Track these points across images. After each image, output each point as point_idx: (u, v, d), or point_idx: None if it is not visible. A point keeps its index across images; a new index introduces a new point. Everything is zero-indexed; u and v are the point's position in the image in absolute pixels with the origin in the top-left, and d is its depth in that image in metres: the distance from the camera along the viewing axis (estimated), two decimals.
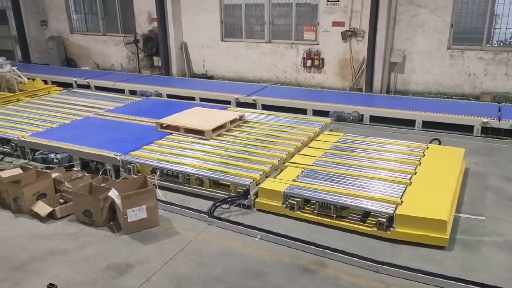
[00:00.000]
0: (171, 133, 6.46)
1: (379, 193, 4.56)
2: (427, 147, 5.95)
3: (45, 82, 10.80)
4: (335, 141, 6.15)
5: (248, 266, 3.88)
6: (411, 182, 4.83)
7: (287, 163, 5.41)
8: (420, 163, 5.35)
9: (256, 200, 4.76)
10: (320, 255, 3.98)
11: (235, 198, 4.84)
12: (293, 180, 4.89)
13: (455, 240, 4.18)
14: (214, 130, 6.36)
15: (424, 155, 5.63)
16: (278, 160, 5.42)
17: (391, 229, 4.18)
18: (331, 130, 7.17)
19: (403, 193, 4.57)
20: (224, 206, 4.83)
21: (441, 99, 8.88)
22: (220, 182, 5.06)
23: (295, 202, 4.56)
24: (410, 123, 7.51)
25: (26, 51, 14.02)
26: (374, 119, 7.79)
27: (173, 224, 4.59)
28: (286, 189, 4.66)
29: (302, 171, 5.12)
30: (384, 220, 4.17)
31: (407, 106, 7.86)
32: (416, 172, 5.09)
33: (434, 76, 9.38)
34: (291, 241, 4.17)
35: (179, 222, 4.62)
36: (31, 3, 13.90)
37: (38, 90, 9.96)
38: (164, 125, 6.74)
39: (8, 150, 6.43)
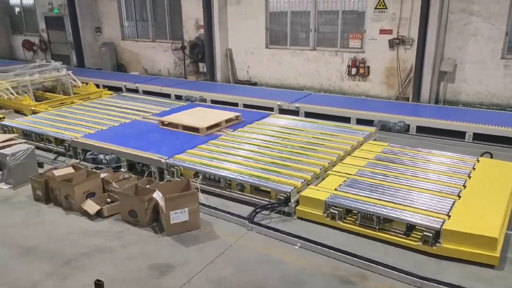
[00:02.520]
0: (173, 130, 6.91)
1: (425, 207, 4.41)
2: (478, 161, 5.68)
3: (97, 86, 11.34)
4: (379, 151, 6.01)
5: (287, 274, 3.86)
6: (460, 196, 4.63)
7: (329, 172, 5.35)
8: (470, 177, 5.13)
9: (297, 208, 4.73)
10: (361, 267, 3.90)
11: (276, 205, 4.84)
12: (335, 189, 4.83)
13: (506, 259, 3.96)
14: (208, 128, 6.82)
15: (474, 168, 5.39)
16: (320, 169, 5.37)
17: (437, 244, 4.01)
18: (375, 140, 7.02)
19: (451, 207, 4.38)
20: (264, 212, 4.84)
21: (494, 110, 8.46)
22: (261, 188, 5.08)
23: (336, 212, 4.49)
24: (460, 135, 7.20)
25: (81, 56, 14.76)
26: (421, 130, 7.54)
27: (213, 228, 4.65)
28: (328, 198, 4.60)
29: (345, 180, 5.05)
30: (430, 234, 4.02)
31: (457, 117, 7.55)
32: (465, 186, 4.88)
33: (486, 86, 8.96)
34: (331, 251, 4.10)
35: (219, 226, 4.68)
36: (87, 10, 14.63)
37: (90, 94, 10.47)
38: (165, 123, 7.18)
39: (62, 150, 6.78)
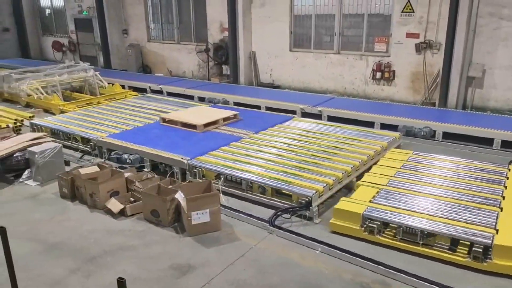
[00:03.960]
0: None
1: (469, 220, 4.19)
2: (509, 169, 5.50)
3: (123, 87, 11.56)
4: (405, 159, 5.83)
5: (306, 279, 3.83)
6: (501, 208, 4.41)
7: (359, 182, 5.14)
8: (506, 187, 4.91)
9: (331, 221, 4.52)
10: (383, 274, 3.83)
11: (297, 208, 4.82)
12: (370, 201, 4.60)
13: None
14: (206, 125, 7.13)
15: (507, 177, 5.19)
16: (343, 173, 5.32)
17: (487, 260, 3.80)
18: (399, 145, 6.90)
19: (496, 220, 4.16)
20: (285, 215, 4.82)
21: None
22: (282, 191, 5.06)
23: (375, 226, 4.26)
24: (488, 142, 7.01)
25: (108, 58, 15.08)
26: (448, 136, 7.37)
27: (234, 229, 4.66)
28: (365, 211, 4.37)
29: (377, 192, 4.82)
30: (481, 250, 3.81)
31: (485, 123, 7.35)
32: (504, 197, 4.66)
33: None
34: (352, 257, 4.05)
35: (240, 228, 4.68)
36: (114, 13, 14.95)
37: (116, 94, 10.69)
38: (166, 120, 7.50)
39: (88, 149, 6.93)
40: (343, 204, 4.59)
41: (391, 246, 4.22)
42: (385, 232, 4.35)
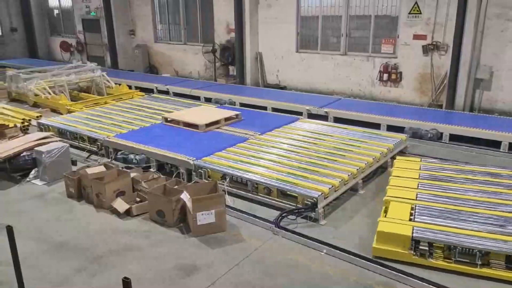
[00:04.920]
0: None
1: None
2: None
3: (130, 87, 11.61)
4: (417, 168, 5.55)
5: (312, 280, 3.82)
6: None
7: (387, 198, 4.74)
8: None
9: (374, 246, 4.08)
10: (388, 276, 3.81)
11: (303, 210, 4.81)
12: (410, 220, 4.24)
13: None
14: (208, 125, 7.18)
15: None
16: (348, 175, 5.30)
17: None
18: (405, 147, 6.87)
19: None
20: (290, 217, 4.81)
21: None
22: (288, 192, 5.05)
23: (426, 248, 3.89)
24: (495, 144, 6.95)
25: (115, 58, 15.17)
26: (455, 138, 7.32)
27: (239, 230, 4.66)
28: (414, 232, 3.98)
29: (412, 208, 4.46)
30: None
31: (492, 126, 7.29)
32: None
33: None
34: (358, 258, 4.04)
35: (245, 229, 4.68)
36: (122, 14, 15.03)
37: (123, 94, 10.74)
38: (169, 119, 7.56)
39: (94, 148, 6.97)
40: (385, 226, 4.13)
41: (439, 268, 3.89)
42: (435, 253, 3.98)
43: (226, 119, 7.55)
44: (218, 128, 7.29)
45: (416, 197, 4.72)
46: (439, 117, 8.06)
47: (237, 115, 7.80)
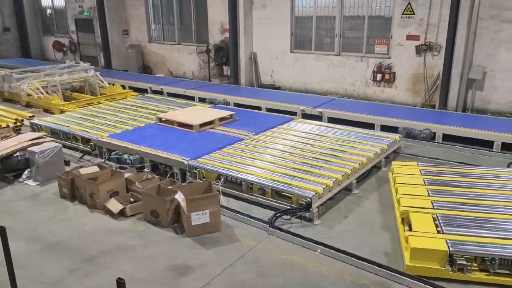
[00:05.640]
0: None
1: None
2: None
3: (123, 87, 11.56)
4: (419, 173, 5.44)
5: (307, 280, 3.82)
6: None
7: (406, 209, 4.52)
8: None
9: (407, 264, 3.84)
10: (383, 276, 3.82)
11: (297, 210, 4.81)
12: (438, 232, 4.06)
13: None
14: (202, 125, 7.18)
15: None
16: (342, 175, 5.31)
17: None
18: (399, 147, 6.90)
19: None
20: (285, 217, 4.81)
21: None
22: (282, 192, 5.05)
23: (464, 263, 3.71)
24: (488, 144, 7.00)
25: (108, 58, 15.09)
26: (447, 138, 7.37)
27: (234, 231, 4.65)
28: (450, 246, 3.78)
29: (434, 219, 4.29)
30: None
31: (485, 126, 7.34)
32: None
33: None
34: (353, 258, 4.04)
35: (240, 230, 4.68)
36: (115, 13, 14.96)
37: (116, 94, 10.69)
38: (163, 119, 7.56)
39: (88, 149, 6.92)
40: (416, 241, 3.90)
41: (476, 282, 3.73)
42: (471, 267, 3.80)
43: (221, 119, 7.54)
44: (212, 128, 7.28)
45: (433, 206, 4.55)
46: (432, 117, 8.10)
47: (231, 115, 7.80)
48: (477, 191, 4.96)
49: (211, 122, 7.37)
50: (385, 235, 4.55)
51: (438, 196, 4.81)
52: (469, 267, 3.72)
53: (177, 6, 13.76)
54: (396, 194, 5.02)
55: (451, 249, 3.75)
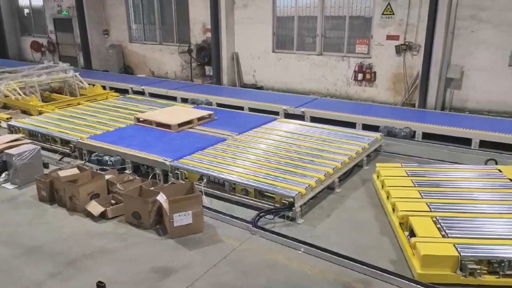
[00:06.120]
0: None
1: None
2: (499, 170, 5.56)
3: (104, 87, 11.40)
4: (405, 175, 5.44)
5: (291, 279, 3.83)
6: None
7: (405, 213, 4.47)
8: None
9: (418, 272, 3.76)
10: (365, 273, 3.86)
11: (280, 209, 4.82)
12: (443, 236, 4.01)
13: None
14: (180, 125, 7.14)
15: (510, 179, 5.22)
16: (325, 174, 5.34)
17: None
18: (380, 146, 6.98)
19: None
20: (268, 216, 4.81)
21: (502, 118, 8.39)
22: (265, 192, 5.05)
23: (475, 267, 3.68)
24: (466, 142, 7.15)
25: (88, 58, 14.86)
26: (427, 136, 7.50)
27: (217, 231, 4.63)
28: (461, 251, 3.73)
29: (435, 222, 4.25)
30: None
31: (463, 124, 7.50)
32: None
33: (494, 93, 8.89)
34: (335, 257, 4.07)
35: (223, 230, 4.66)
36: (95, 13, 14.75)
37: (97, 95, 10.53)
38: (141, 120, 7.51)
39: (67, 150, 6.80)
40: (426, 248, 3.82)
41: (485, 285, 3.70)
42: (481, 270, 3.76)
43: (199, 118, 7.52)
44: (191, 128, 7.25)
45: (430, 208, 4.52)
46: (412, 116, 8.23)
47: (209, 114, 7.78)
48: (468, 190, 5.00)
49: (189, 122, 7.34)
50: (367, 233, 4.60)
51: (431, 198, 4.79)
52: (478, 271, 3.68)
53: (158, 6, 13.65)
54: (388, 198, 5.00)
55: (462, 254, 3.71)
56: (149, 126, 7.34)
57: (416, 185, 5.15)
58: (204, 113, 7.81)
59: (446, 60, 9.06)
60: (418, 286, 3.66)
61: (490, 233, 4.07)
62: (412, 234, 4.19)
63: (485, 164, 6.17)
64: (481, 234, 4.06)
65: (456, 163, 6.35)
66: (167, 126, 7.15)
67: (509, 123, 7.75)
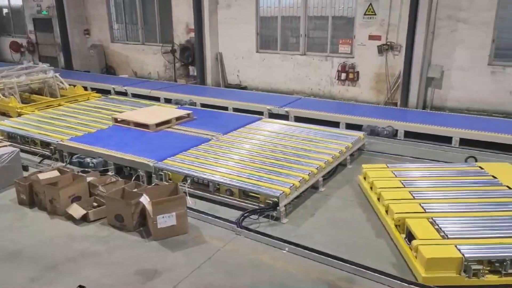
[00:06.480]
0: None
1: None
2: (480, 167, 5.66)
3: (85, 88, 11.22)
4: (393, 176, 5.45)
5: (275, 279, 3.83)
6: None
7: (401, 215, 4.42)
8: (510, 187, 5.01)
9: (423, 275, 3.71)
10: (349, 271, 3.89)
11: (265, 209, 4.82)
12: (443, 238, 4.00)
13: None
14: (158, 124, 7.14)
15: (494, 176, 5.31)
16: (309, 174, 5.37)
17: None
18: (363, 145, 7.04)
19: None
20: (252, 216, 4.81)
21: (480, 116, 8.56)
22: (250, 193, 5.05)
23: (478, 267, 3.68)
24: (446, 139, 7.27)
25: (69, 58, 14.63)
26: (409, 135, 7.61)
27: (201, 232, 4.61)
28: (465, 253, 3.71)
29: (431, 223, 4.23)
30: None
31: (443, 122, 7.63)
32: None
33: (473, 92, 9.07)
34: (319, 255, 4.09)
35: (207, 231, 4.64)
36: (75, 12, 14.53)
37: (78, 96, 10.36)
38: (118, 120, 7.48)
39: (48, 153, 6.68)
40: (429, 251, 3.79)
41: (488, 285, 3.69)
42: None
43: (177, 118, 7.49)
44: (169, 127, 7.23)
45: (425, 210, 4.51)
46: (394, 115, 8.33)
47: (188, 114, 7.77)
48: (456, 189, 5.03)
49: (168, 122, 7.31)
50: (351, 231, 4.63)
51: (423, 198, 4.78)
52: (482, 271, 3.68)
53: (140, 5, 13.51)
54: (379, 199, 4.98)
55: (466, 255, 3.69)
56: (127, 126, 7.29)
57: (405, 186, 5.13)
58: (182, 112, 7.80)
59: (426, 60, 9.20)
60: (405, 284, 3.70)
61: (487, 233, 4.08)
62: (410, 236, 4.16)
63: (465, 161, 6.28)
64: (479, 233, 4.07)
65: (438, 161, 6.46)
66: (146, 126, 7.10)
67: (488, 121, 7.92)
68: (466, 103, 9.19)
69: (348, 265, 3.93)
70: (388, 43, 9.68)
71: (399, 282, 3.71)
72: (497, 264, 3.69)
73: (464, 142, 7.15)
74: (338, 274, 3.88)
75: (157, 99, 10.43)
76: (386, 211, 4.74)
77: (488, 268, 3.72)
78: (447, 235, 4.02)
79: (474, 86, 9.02)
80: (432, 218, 4.31)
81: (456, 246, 3.82)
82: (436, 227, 4.17)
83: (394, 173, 5.54)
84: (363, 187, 5.60)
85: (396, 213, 4.47)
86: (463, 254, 3.70)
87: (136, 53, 13.97)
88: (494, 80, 8.82)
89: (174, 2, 12.64)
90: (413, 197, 4.84)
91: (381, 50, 9.76)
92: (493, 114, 8.84)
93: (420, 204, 4.63)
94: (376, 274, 3.80)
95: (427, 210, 4.51)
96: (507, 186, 5.06)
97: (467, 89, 9.11)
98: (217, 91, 11.12)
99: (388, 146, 7.29)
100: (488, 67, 8.83)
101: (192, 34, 12.26)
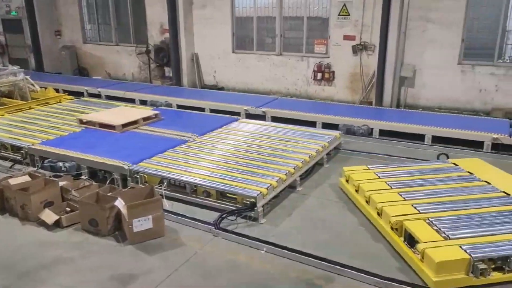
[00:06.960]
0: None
1: None
2: (454, 163, 5.79)
3: (57, 90, 10.92)
4: (377, 177, 5.41)
5: (253, 279, 3.83)
6: None
7: (398, 218, 4.36)
8: (490, 183, 5.12)
9: (434, 280, 3.64)
10: (326, 269, 3.92)
11: (242, 210, 4.81)
12: (445, 239, 3.98)
13: None
14: (125, 125, 7.09)
15: (471, 172, 5.43)
16: (286, 173, 5.38)
17: None
18: (339, 144, 7.11)
19: None
20: (230, 217, 4.79)
21: (452, 114, 8.79)
22: (227, 194, 5.03)
23: (484, 266, 3.67)
24: (420, 137, 7.43)
25: (40, 60, 14.24)
26: (384, 133, 7.74)
27: (179, 234, 4.56)
28: (471, 253, 3.71)
29: (429, 224, 4.22)
30: None
31: (417, 121, 7.80)
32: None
33: (444, 91, 9.31)
34: (297, 254, 4.11)
35: (185, 233, 4.59)
36: (46, 13, 14.15)
37: (49, 99, 10.07)
38: (84, 121, 7.41)
39: (18, 157, 6.48)
40: (438, 254, 3.73)
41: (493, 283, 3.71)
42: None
43: (145, 118, 7.45)
44: (136, 128, 7.19)
45: (419, 211, 4.48)
46: (370, 114, 8.46)
47: (156, 114, 7.75)
48: (441, 187, 5.07)
49: (134, 122, 7.25)
50: (328, 230, 4.67)
51: (413, 199, 4.76)
52: (488, 270, 3.69)
53: (112, 5, 13.28)
54: (368, 202, 4.94)
55: (473, 255, 3.68)
56: (92, 127, 7.23)
57: (392, 187, 5.10)
58: (150, 113, 7.80)
59: (399, 59, 9.38)
60: (381, 280, 3.75)
61: (485, 230, 4.11)
62: (410, 238, 4.13)
63: (437, 158, 6.42)
64: (478, 232, 4.09)
65: (412, 158, 6.59)
66: (111, 127, 7.04)
67: (458, 119, 8.13)
68: (438, 102, 9.42)
69: (325, 263, 3.95)
70: (362, 43, 9.82)
71: (376, 279, 3.76)
72: (499, 262, 3.73)
73: (436, 139, 7.32)
74: (317, 272, 3.90)
75: (132, 100, 10.27)
76: (378, 214, 4.68)
77: (492, 266, 3.75)
78: (448, 236, 4.00)
79: (445, 85, 9.26)
80: (428, 219, 4.29)
81: (461, 247, 3.81)
82: (435, 228, 4.15)
83: (377, 175, 5.48)
84: (346, 190, 5.54)
85: (393, 216, 4.40)
86: (470, 255, 3.69)
87: (110, 54, 13.73)
88: (464, 79, 9.07)
89: (148, 2, 12.48)
90: (404, 198, 4.80)
91: (356, 50, 9.90)
92: (464, 112, 9.09)
93: (412, 205, 4.59)
94: (354, 272, 3.84)
95: (421, 211, 4.47)
96: (485, 181, 5.19)
97: (438, 88, 9.34)
98: (193, 92, 11.04)
99: (364, 145, 7.39)
100: (458, 66, 9.08)
101: (167, 35, 12.13)
